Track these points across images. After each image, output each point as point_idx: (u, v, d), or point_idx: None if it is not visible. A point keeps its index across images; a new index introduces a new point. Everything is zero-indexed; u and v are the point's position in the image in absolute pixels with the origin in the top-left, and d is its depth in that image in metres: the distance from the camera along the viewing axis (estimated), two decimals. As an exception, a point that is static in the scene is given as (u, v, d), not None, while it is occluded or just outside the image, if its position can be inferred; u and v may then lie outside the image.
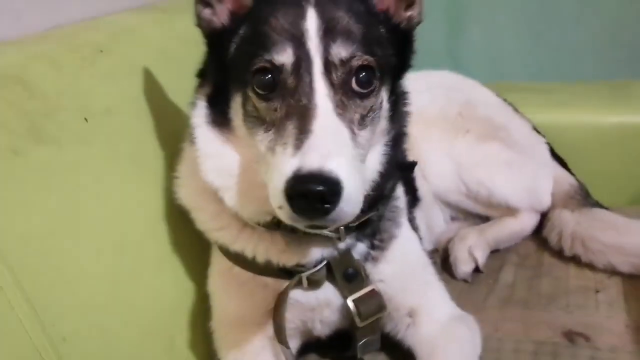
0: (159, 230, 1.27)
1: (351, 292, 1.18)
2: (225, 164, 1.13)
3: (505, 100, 1.96)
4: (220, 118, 1.13)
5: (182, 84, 1.26)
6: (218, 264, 1.26)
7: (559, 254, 1.69)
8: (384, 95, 1.10)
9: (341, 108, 1.00)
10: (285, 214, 0.91)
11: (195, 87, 1.21)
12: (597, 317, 1.39)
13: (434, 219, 1.80)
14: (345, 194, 0.88)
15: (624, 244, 1.56)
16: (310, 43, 1.01)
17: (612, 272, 1.56)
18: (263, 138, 1.02)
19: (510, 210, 1.78)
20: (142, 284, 1.19)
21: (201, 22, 1.14)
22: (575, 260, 1.64)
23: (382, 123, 1.12)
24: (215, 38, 1.14)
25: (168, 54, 1.47)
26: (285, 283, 1.16)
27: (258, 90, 1.02)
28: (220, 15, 1.13)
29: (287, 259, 1.14)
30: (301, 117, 0.96)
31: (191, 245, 1.29)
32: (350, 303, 1.18)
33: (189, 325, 1.29)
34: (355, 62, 1.02)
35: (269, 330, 1.21)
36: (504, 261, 1.71)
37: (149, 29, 1.50)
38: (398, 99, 1.19)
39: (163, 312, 1.23)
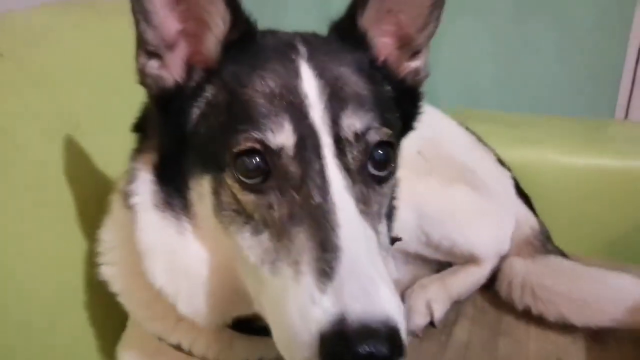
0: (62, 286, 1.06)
1: None
2: (181, 263, 0.88)
3: (468, 129, 1.82)
4: (173, 199, 0.88)
5: (107, 101, 1.02)
6: (137, 331, 1.05)
7: (519, 311, 1.54)
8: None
9: (363, 204, 0.78)
10: None
11: (133, 149, 0.95)
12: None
13: (388, 266, 1.64)
14: (404, 339, 0.66)
15: (577, 293, 1.45)
16: (314, 113, 0.78)
17: (576, 329, 1.43)
18: (252, 244, 0.77)
19: (473, 259, 1.64)
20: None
21: (146, 80, 0.85)
22: (535, 319, 1.50)
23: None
24: (167, 101, 0.86)
25: (90, 63, 1.25)
26: None
27: (242, 179, 0.78)
28: (173, 69, 0.86)
29: (227, 357, 0.96)
30: (317, 223, 0.72)
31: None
32: None
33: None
34: (373, 137, 0.80)
35: None
36: (458, 314, 1.56)
37: (66, 30, 1.25)
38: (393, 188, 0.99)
39: None
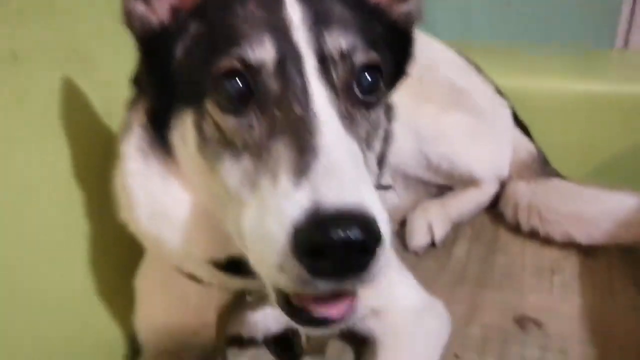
0: (69, 198, 1.09)
1: None
2: (163, 207, 0.89)
3: (468, 60, 1.84)
4: (159, 144, 0.89)
5: (117, 34, 1.02)
6: (154, 264, 1.09)
7: (515, 228, 1.62)
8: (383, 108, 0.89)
9: (348, 119, 0.75)
10: (290, 279, 0.64)
11: (129, 101, 0.96)
12: (550, 300, 1.32)
13: (387, 192, 1.70)
14: (385, 238, 0.64)
15: (582, 213, 1.50)
16: (297, 31, 0.76)
17: (570, 245, 1.50)
18: (233, 169, 0.75)
19: (473, 181, 1.69)
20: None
21: (132, 21, 0.85)
22: (532, 236, 1.57)
23: (379, 144, 0.89)
24: (152, 41, 0.86)
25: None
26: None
27: (224, 103, 0.76)
28: (159, 11, 0.85)
29: (234, 283, 0.97)
30: (297, 133, 0.69)
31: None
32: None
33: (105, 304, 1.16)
34: (359, 58, 0.78)
35: (200, 336, 1.10)
36: (457, 234, 1.63)
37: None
38: (388, 114, 0.97)
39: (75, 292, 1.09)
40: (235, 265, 0.89)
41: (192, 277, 0.99)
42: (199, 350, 1.16)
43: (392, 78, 0.93)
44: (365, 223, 0.61)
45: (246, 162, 0.74)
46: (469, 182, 1.70)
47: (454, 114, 1.65)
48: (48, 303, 1.02)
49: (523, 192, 1.63)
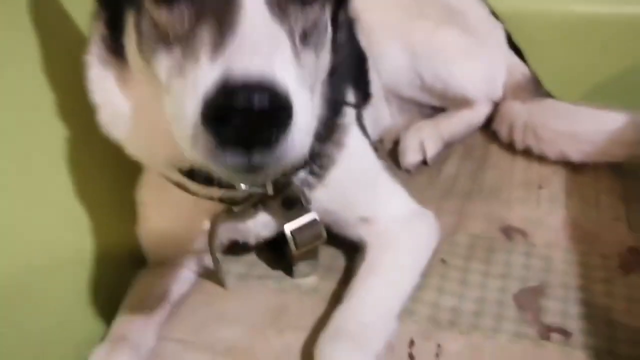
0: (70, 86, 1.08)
1: (289, 220, 1.07)
2: (121, 110, 0.91)
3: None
4: (118, 54, 0.90)
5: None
6: (151, 176, 1.13)
7: (506, 147, 1.64)
8: (327, 13, 0.87)
9: (278, 7, 0.73)
10: (202, 150, 0.64)
11: (94, 12, 0.96)
12: (537, 212, 1.36)
13: (380, 113, 1.71)
14: (298, 114, 0.63)
15: (576, 131, 1.52)
16: None
17: (563, 162, 1.53)
18: (164, 61, 0.75)
19: (466, 101, 1.70)
20: (53, 166, 1.07)
21: None
22: (523, 154, 1.60)
23: (325, 52, 0.89)
24: None
25: None
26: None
27: None
28: None
29: (215, 192, 1.01)
30: (219, 14, 0.68)
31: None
32: (287, 231, 1.07)
33: (106, 216, 1.19)
34: None
35: (196, 247, 1.15)
36: (449, 153, 1.65)
37: None
38: (340, 28, 0.96)
39: (77, 198, 1.12)
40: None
41: (181, 187, 1.02)
42: (197, 257, 1.21)
43: None
44: (272, 92, 0.60)
45: (176, 52, 0.74)
46: (462, 102, 1.70)
47: (449, 30, 1.64)
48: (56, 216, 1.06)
49: (518, 111, 1.64)
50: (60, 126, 1.08)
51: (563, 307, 1.09)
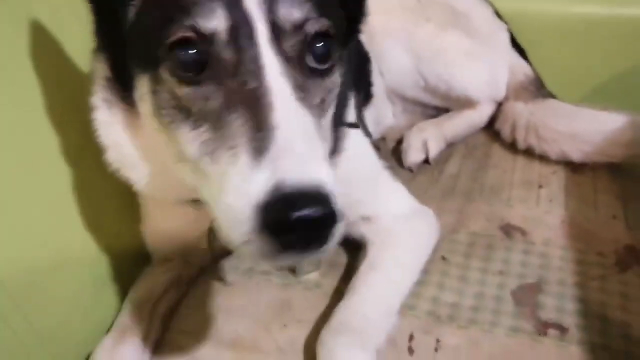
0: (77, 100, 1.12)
1: None
2: (130, 152, 0.94)
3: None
4: (122, 96, 0.91)
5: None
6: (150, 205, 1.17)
7: (507, 147, 1.67)
8: (340, 69, 0.89)
9: (301, 91, 0.76)
10: (255, 251, 0.68)
11: (92, 56, 0.98)
12: (536, 211, 1.39)
13: (383, 113, 1.74)
14: (340, 209, 0.67)
15: (577, 131, 1.54)
16: (249, 1, 0.76)
17: (563, 162, 1.55)
18: (191, 137, 0.77)
19: (469, 102, 1.73)
20: (62, 161, 1.10)
21: None
22: (524, 153, 1.62)
23: (334, 105, 0.91)
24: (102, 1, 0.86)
25: None
26: None
27: (178, 73, 0.77)
28: None
29: None
30: (251, 107, 0.71)
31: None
32: None
33: (115, 210, 1.22)
34: (311, 27, 0.78)
35: (200, 246, 1.18)
36: (451, 152, 1.68)
37: None
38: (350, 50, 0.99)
39: (87, 192, 1.15)
40: None
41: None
42: (202, 256, 1.24)
43: (345, 37, 0.93)
44: (324, 200, 0.65)
45: (204, 132, 0.76)
46: (465, 103, 1.73)
47: (452, 32, 1.67)
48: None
49: (521, 111, 1.66)
50: (67, 127, 1.11)
51: (559, 304, 1.12)
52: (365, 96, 1.52)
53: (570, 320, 1.08)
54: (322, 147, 0.76)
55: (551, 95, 1.73)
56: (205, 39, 0.75)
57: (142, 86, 0.84)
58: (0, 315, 0.93)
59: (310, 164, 0.68)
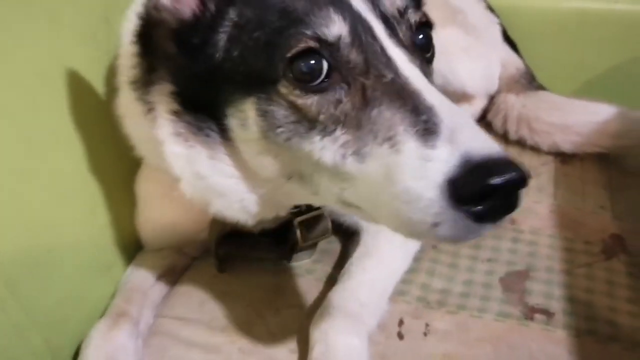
0: (84, 85, 1.13)
1: (298, 213, 1.10)
2: (214, 184, 0.91)
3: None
4: (202, 128, 0.88)
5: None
6: (151, 170, 1.14)
7: (497, 139, 1.69)
8: None
9: (425, 76, 0.77)
10: (451, 231, 0.66)
11: (137, 79, 0.95)
12: (525, 201, 1.39)
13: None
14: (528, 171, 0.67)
15: (568, 123, 1.57)
16: (356, 1, 0.78)
17: (554, 154, 1.58)
18: (324, 144, 0.76)
19: (465, 96, 1.75)
20: (61, 146, 1.11)
21: (161, 15, 0.83)
22: (513, 145, 1.65)
23: None
24: (186, 33, 0.84)
25: None
26: None
27: (303, 84, 0.76)
28: (186, 1, 0.83)
29: None
30: (398, 96, 0.71)
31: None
32: (296, 224, 1.10)
33: (112, 196, 1.23)
34: (413, 17, 0.81)
35: (198, 236, 1.19)
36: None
37: None
38: None
39: (84, 178, 1.16)
40: None
41: None
42: (199, 245, 1.26)
43: None
44: (515, 165, 0.63)
45: (340, 135, 0.75)
46: (461, 97, 1.75)
47: (450, 29, 1.69)
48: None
49: (513, 103, 1.69)
50: (75, 118, 1.12)
51: (547, 290, 1.14)
52: None
53: (557, 305, 1.10)
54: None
55: (542, 88, 1.75)
56: (330, 46, 0.75)
57: (244, 112, 0.82)
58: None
59: (483, 134, 0.67)
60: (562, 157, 1.57)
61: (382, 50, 0.76)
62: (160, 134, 0.90)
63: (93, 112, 1.07)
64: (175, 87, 0.88)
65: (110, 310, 1.11)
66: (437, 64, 1.63)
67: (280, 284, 1.18)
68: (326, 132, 0.76)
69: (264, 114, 0.80)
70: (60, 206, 1.09)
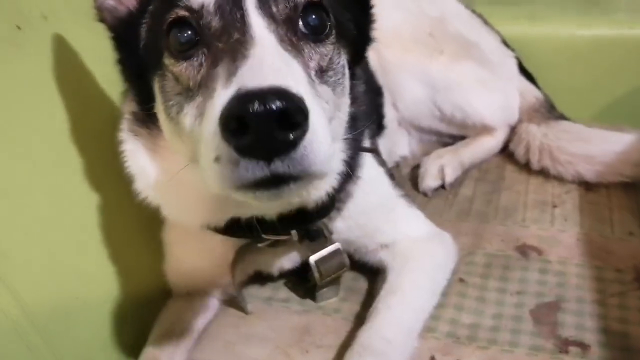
0: (102, 142, 1.18)
1: (313, 251, 1.13)
2: (155, 178, 0.98)
3: (474, 11, 1.89)
4: (145, 125, 0.98)
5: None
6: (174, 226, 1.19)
7: (520, 169, 1.68)
8: (344, 59, 0.93)
9: (289, 44, 0.79)
10: (224, 167, 0.67)
11: (122, 93, 1.08)
12: (551, 231, 1.39)
13: (397, 144, 1.78)
14: (313, 121, 0.66)
15: (592, 153, 1.56)
16: None
17: (577, 182, 1.56)
18: (189, 111, 0.80)
19: (485, 129, 1.76)
20: (86, 196, 1.14)
21: (104, 15, 0.95)
22: (536, 174, 1.64)
23: (344, 93, 0.93)
24: (121, 30, 0.95)
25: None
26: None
27: (176, 52, 0.82)
28: (126, 1, 0.95)
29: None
30: (233, 52, 0.74)
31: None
32: (312, 263, 1.13)
33: (133, 244, 1.26)
34: None
35: (223, 279, 1.20)
36: (465, 176, 1.70)
37: None
38: (358, 80, 1.06)
39: (107, 227, 1.19)
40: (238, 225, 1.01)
41: (214, 229, 1.07)
42: (223, 288, 1.27)
43: (357, 44, 0.99)
44: (285, 96, 0.63)
45: (198, 98, 0.79)
46: (481, 130, 1.77)
47: (465, 63, 1.71)
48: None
49: (534, 134, 1.69)
50: (94, 163, 1.16)
51: (579, 321, 1.11)
52: (378, 127, 1.56)
53: (591, 337, 1.08)
54: (307, 86, 0.75)
55: (563, 117, 1.75)
56: (197, 13, 0.81)
57: (156, 92, 0.89)
58: (30, 348, 0.95)
59: (278, 74, 0.67)
60: (587, 185, 1.55)
61: (243, 16, 0.79)
62: (122, 135, 0.99)
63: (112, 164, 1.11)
64: (132, 95, 0.98)
65: (143, 357, 1.12)
66: (454, 98, 1.69)
67: (308, 324, 1.18)
68: (192, 97, 0.80)
69: (162, 90, 0.87)
70: (84, 254, 1.12)
